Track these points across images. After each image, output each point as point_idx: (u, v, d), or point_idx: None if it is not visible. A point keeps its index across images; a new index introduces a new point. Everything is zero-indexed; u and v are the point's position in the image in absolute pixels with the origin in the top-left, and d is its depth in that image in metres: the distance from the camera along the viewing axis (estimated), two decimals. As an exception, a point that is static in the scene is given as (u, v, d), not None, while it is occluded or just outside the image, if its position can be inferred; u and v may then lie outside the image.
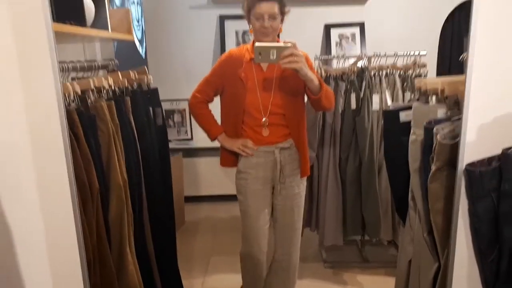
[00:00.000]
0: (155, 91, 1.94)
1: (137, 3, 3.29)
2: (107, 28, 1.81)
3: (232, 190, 2.27)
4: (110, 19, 1.82)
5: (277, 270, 1.96)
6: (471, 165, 0.88)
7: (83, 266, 1.05)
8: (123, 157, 1.45)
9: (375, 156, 2.46)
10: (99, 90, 1.41)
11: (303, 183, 1.89)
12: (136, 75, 1.77)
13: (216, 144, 1.97)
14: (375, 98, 2.44)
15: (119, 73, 1.60)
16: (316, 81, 1.67)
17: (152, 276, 1.69)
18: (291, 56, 1.57)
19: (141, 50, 3.36)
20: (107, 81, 1.44)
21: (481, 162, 0.86)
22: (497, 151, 0.84)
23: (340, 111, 2.47)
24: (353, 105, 2.45)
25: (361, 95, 2.42)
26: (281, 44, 1.61)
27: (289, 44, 1.58)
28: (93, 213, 1.19)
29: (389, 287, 1.76)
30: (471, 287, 0.97)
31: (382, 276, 2.51)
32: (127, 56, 2.96)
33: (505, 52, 0.89)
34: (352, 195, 2.54)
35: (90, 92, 1.26)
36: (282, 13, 1.73)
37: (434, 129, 1.03)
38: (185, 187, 3.51)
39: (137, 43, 3.20)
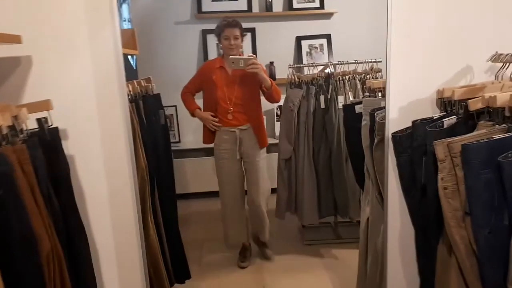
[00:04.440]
0: (158, 96, 2.32)
1: (128, 21, 3.65)
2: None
3: (217, 187, 2.77)
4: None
5: (252, 213, 2.74)
6: (394, 133, 1.32)
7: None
8: (142, 147, 1.83)
9: (342, 147, 2.87)
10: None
11: (262, 154, 2.66)
12: (144, 84, 2.15)
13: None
14: (340, 99, 2.87)
15: (135, 82, 1.98)
16: (268, 80, 2.47)
17: (163, 244, 2.06)
18: (253, 64, 2.35)
19: (132, 62, 3.72)
20: (127, 88, 1.82)
21: (400, 131, 1.31)
22: (410, 123, 1.29)
23: (312, 110, 2.89)
24: (322, 105, 2.86)
25: (329, 96, 2.84)
26: (246, 56, 2.39)
27: (252, 57, 2.38)
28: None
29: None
30: (402, 215, 1.43)
31: (352, 249, 2.86)
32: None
33: (412, 59, 1.36)
34: (325, 181, 2.94)
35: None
36: (242, 35, 2.52)
37: (375, 114, 1.48)
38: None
39: (129, 56, 3.56)
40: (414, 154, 1.22)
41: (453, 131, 1.15)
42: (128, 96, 1.85)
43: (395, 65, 1.33)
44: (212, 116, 2.56)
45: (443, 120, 1.17)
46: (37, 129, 1.08)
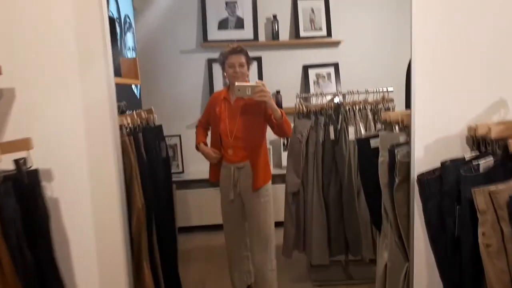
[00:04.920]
0: (159, 128, 2.20)
1: (132, 49, 3.60)
2: (119, 74, 2.09)
3: (221, 220, 2.58)
4: (121, 66, 2.10)
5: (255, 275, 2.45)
6: (421, 175, 1.17)
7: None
8: (139, 185, 1.69)
9: (353, 181, 2.73)
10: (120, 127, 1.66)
11: (262, 194, 2.33)
12: (146, 114, 2.04)
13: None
14: (351, 130, 2.75)
15: (134, 113, 1.87)
16: (278, 111, 2.18)
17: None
18: (261, 92, 2.08)
19: (136, 91, 3.64)
20: (126, 120, 1.71)
21: (427, 172, 1.16)
22: (438, 164, 1.14)
23: (321, 141, 2.76)
24: (332, 136, 2.73)
25: (339, 127, 2.72)
26: (254, 83, 2.12)
27: (260, 84, 2.10)
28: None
29: (372, 301, 1.97)
30: (429, 267, 1.26)
31: (365, 291, 2.72)
32: (123, 97, 3.23)
33: (437, 91, 1.23)
34: (335, 217, 2.77)
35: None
36: (248, 62, 2.29)
37: (395, 151, 1.33)
38: (177, 218, 3.68)
39: (133, 86, 3.48)
40: (444, 200, 1.06)
41: (488, 174, 1.00)
42: (127, 129, 1.73)
43: (420, 98, 1.20)
44: (214, 151, 2.36)
45: (478, 162, 1.02)
46: (14, 171, 0.95)
